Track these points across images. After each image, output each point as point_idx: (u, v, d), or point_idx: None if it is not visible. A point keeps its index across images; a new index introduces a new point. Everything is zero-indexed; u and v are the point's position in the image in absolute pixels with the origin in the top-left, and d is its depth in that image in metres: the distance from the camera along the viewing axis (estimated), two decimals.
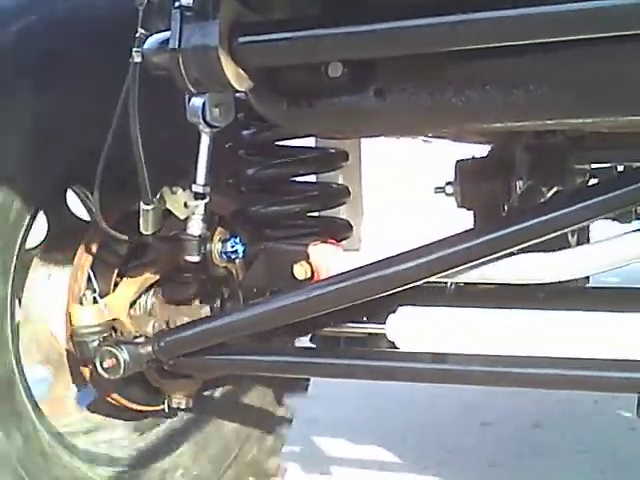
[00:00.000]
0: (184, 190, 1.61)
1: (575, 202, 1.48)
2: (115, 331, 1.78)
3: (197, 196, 1.61)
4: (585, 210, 1.48)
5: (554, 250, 1.60)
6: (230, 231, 1.77)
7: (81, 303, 1.75)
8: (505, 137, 2.05)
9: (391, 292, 1.61)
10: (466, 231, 1.59)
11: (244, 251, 1.75)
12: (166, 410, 1.89)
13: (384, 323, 1.83)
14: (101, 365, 1.68)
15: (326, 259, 1.74)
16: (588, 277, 1.98)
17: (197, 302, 1.87)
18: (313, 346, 1.96)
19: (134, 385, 1.85)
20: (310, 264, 1.73)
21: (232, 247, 1.73)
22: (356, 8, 1.38)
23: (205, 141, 1.57)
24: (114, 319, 1.78)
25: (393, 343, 1.75)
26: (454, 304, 1.76)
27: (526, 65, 1.36)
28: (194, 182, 1.60)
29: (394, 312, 1.74)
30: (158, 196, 1.58)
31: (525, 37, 1.26)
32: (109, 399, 1.85)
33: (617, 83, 1.34)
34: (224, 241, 1.73)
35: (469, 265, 1.56)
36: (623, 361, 1.48)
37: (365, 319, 1.87)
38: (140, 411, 1.92)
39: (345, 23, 1.32)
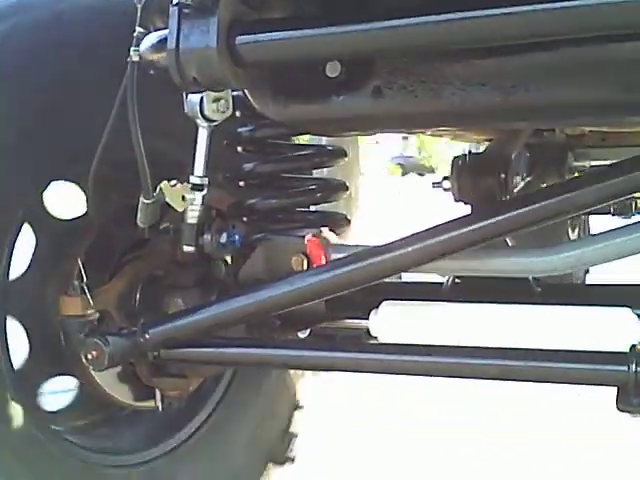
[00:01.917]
0: (182, 183, 1.62)
1: (567, 191, 1.48)
2: (103, 323, 1.76)
3: (195, 188, 1.62)
4: (578, 200, 1.47)
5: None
6: (227, 223, 1.77)
7: (68, 293, 1.74)
8: (503, 135, 2.05)
9: (383, 284, 1.61)
10: (458, 218, 1.58)
11: (241, 242, 1.75)
12: (159, 409, 1.88)
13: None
14: (86, 357, 1.65)
15: (324, 251, 1.75)
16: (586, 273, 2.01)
17: (193, 295, 1.85)
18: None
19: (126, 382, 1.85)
20: (307, 256, 1.74)
21: (229, 238, 1.73)
22: (354, 7, 1.38)
23: (203, 135, 1.58)
24: (102, 310, 1.76)
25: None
26: (451, 299, 1.78)
27: (525, 64, 1.36)
28: (192, 174, 1.62)
29: (377, 308, 1.75)
30: (157, 190, 1.59)
31: (524, 36, 1.25)
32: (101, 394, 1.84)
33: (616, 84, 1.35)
34: (221, 232, 1.73)
35: (463, 252, 1.55)
36: (609, 353, 1.49)
37: (360, 315, 1.88)
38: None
39: (343, 22, 1.32)
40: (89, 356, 1.64)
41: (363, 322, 1.77)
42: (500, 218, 1.49)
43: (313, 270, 1.68)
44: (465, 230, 1.51)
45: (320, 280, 1.61)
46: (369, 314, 1.73)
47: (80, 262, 1.75)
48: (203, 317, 1.70)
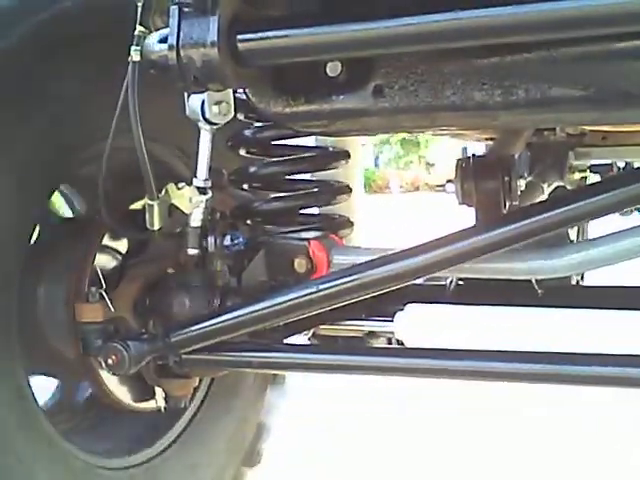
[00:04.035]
0: (189, 185, 1.62)
1: (577, 200, 1.48)
2: (117, 328, 1.77)
3: (199, 191, 1.63)
4: (587, 208, 1.47)
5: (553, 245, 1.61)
6: (231, 226, 1.77)
7: (87, 300, 1.73)
8: (505, 135, 2.05)
9: (394, 289, 1.62)
10: (471, 227, 1.61)
11: (244, 245, 1.75)
12: (162, 410, 1.88)
13: (383, 321, 1.86)
14: (105, 361, 1.65)
15: (327, 254, 1.75)
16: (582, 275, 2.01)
17: (198, 298, 1.85)
18: (317, 343, 1.97)
19: (131, 383, 1.85)
20: (311, 258, 1.74)
21: (232, 240, 1.74)
22: (356, 6, 1.38)
23: (205, 137, 1.58)
24: (116, 316, 1.76)
25: (398, 341, 1.78)
26: (453, 301, 1.78)
27: (525, 64, 1.36)
28: (195, 177, 1.62)
29: (402, 310, 1.75)
30: (163, 192, 1.59)
31: (524, 35, 1.26)
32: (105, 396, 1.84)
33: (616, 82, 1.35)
34: (224, 234, 1.73)
35: (474, 261, 1.56)
36: (623, 356, 1.49)
37: (363, 317, 1.89)
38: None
39: (345, 21, 1.32)
40: (109, 361, 1.65)
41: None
42: (512, 227, 1.50)
43: (337, 274, 1.66)
44: (484, 237, 1.53)
45: (347, 284, 1.61)
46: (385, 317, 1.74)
47: (98, 269, 1.75)
48: (226, 321, 1.71)
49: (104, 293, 1.74)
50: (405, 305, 1.80)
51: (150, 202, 1.59)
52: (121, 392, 1.83)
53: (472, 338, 1.68)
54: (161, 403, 1.85)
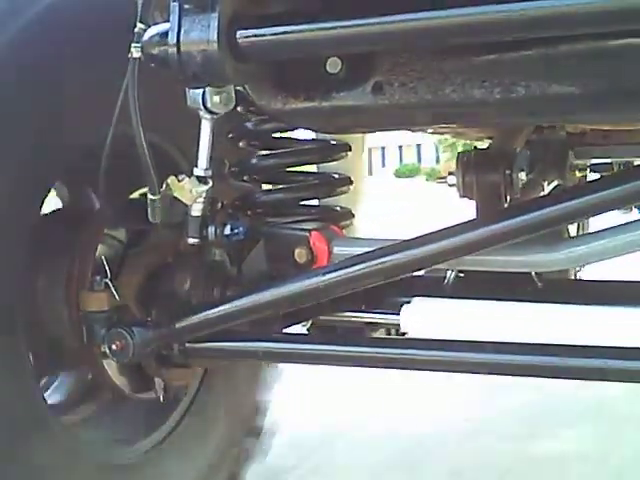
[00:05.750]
0: (189, 177, 1.63)
1: (579, 196, 1.47)
2: (121, 317, 1.77)
3: (200, 180, 1.63)
4: (589, 204, 1.47)
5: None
6: (232, 216, 1.78)
7: (92, 289, 1.74)
8: (506, 132, 2.05)
9: (395, 280, 1.62)
10: (472, 220, 1.61)
11: (245, 234, 1.76)
12: (161, 399, 1.89)
13: (384, 312, 1.87)
14: (109, 348, 1.66)
15: (327, 244, 1.76)
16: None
17: (199, 287, 1.85)
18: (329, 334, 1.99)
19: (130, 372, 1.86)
20: (311, 249, 1.75)
21: (233, 230, 1.74)
22: (356, 2, 1.38)
23: (206, 127, 1.59)
24: (121, 304, 1.77)
25: (397, 332, 1.78)
26: (453, 295, 1.78)
27: (525, 61, 1.36)
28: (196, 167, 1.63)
29: (404, 302, 1.76)
30: (164, 185, 1.60)
31: (524, 32, 1.25)
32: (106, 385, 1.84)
33: (616, 80, 1.34)
34: (225, 224, 1.73)
35: (474, 253, 1.57)
36: (623, 349, 1.50)
37: (364, 308, 1.90)
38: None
39: (345, 17, 1.32)
40: (113, 347, 1.65)
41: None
42: (513, 222, 1.50)
43: (341, 264, 1.66)
44: (486, 230, 1.52)
45: (350, 274, 1.61)
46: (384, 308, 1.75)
47: (104, 258, 1.76)
48: (232, 309, 1.71)
49: (109, 282, 1.74)
50: (405, 297, 1.81)
51: (152, 197, 1.59)
52: (120, 382, 1.84)
53: (479, 331, 1.69)
54: (160, 393, 1.86)
